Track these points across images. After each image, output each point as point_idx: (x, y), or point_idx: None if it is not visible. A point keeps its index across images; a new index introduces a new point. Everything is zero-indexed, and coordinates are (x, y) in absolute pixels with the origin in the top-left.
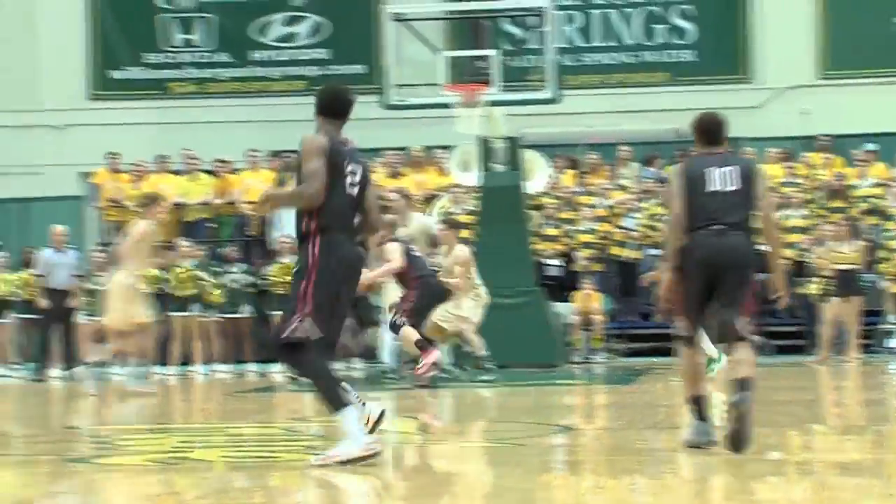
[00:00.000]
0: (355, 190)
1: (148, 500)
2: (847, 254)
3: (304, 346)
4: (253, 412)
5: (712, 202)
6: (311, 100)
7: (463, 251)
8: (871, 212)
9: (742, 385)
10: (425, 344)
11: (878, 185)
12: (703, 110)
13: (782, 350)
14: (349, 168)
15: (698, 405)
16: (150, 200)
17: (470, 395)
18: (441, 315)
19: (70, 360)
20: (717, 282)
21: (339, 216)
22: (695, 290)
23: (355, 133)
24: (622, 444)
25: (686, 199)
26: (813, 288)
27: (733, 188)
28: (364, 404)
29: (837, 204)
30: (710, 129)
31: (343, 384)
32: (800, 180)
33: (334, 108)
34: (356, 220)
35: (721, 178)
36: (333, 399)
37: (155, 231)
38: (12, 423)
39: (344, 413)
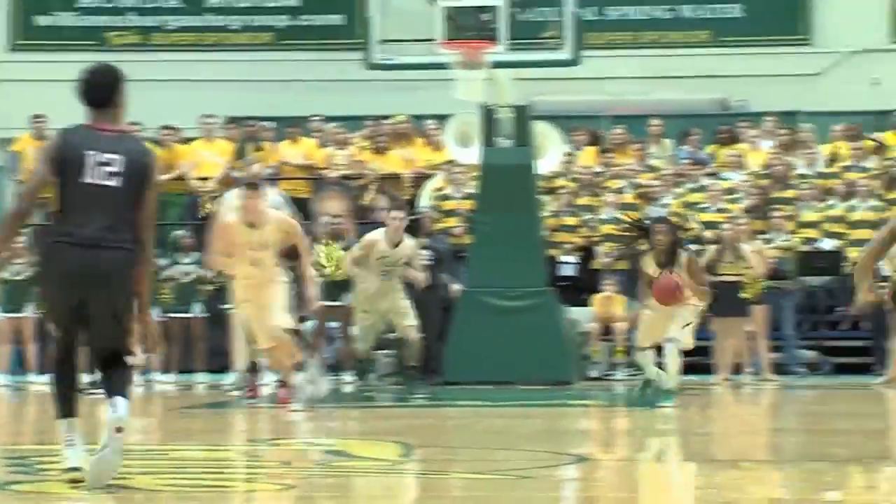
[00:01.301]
0: (114, 181)
1: None
2: None
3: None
4: (203, 432)
5: None
6: (279, 56)
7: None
8: None
9: None
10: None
11: None
12: (751, 77)
13: (843, 369)
14: (101, 158)
15: None
16: None
17: (463, 416)
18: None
19: None
20: None
21: (71, 216)
22: None
23: (332, 97)
24: (646, 479)
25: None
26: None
27: None
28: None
29: None
30: None
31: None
32: (870, 164)
33: (82, 94)
34: (116, 214)
35: None
36: (55, 408)
37: None
38: None
39: (57, 424)
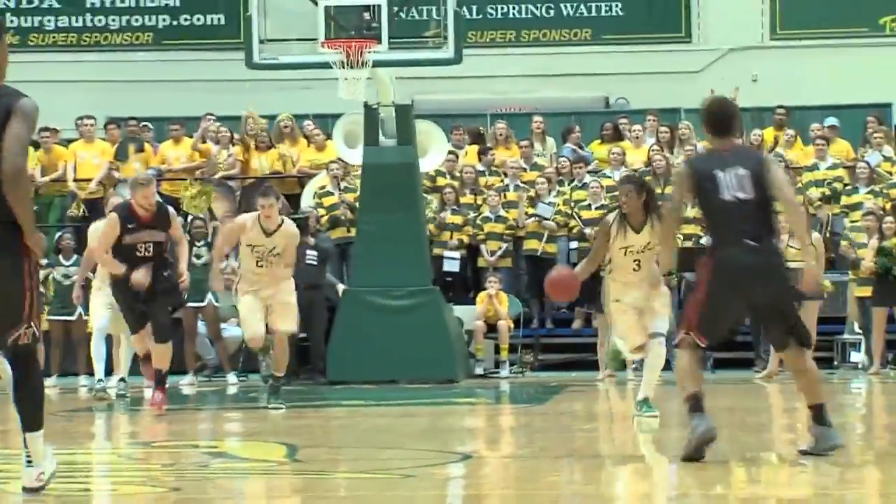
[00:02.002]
0: None
1: None
2: (800, 249)
3: None
4: (87, 435)
5: (730, 212)
6: (160, 56)
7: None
8: (829, 199)
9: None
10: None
11: (837, 166)
12: (631, 75)
13: (723, 364)
14: None
15: (698, 401)
16: None
17: (348, 415)
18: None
19: None
20: (764, 304)
21: None
22: (722, 311)
23: (214, 97)
24: (532, 476)
25: (698, 205)
26: None
27: (747, 196)
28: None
29: None
30: (712, 120)
31: None
32: None
33: None
34: None
35: (733, 183)
36: None
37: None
38: None
39: None
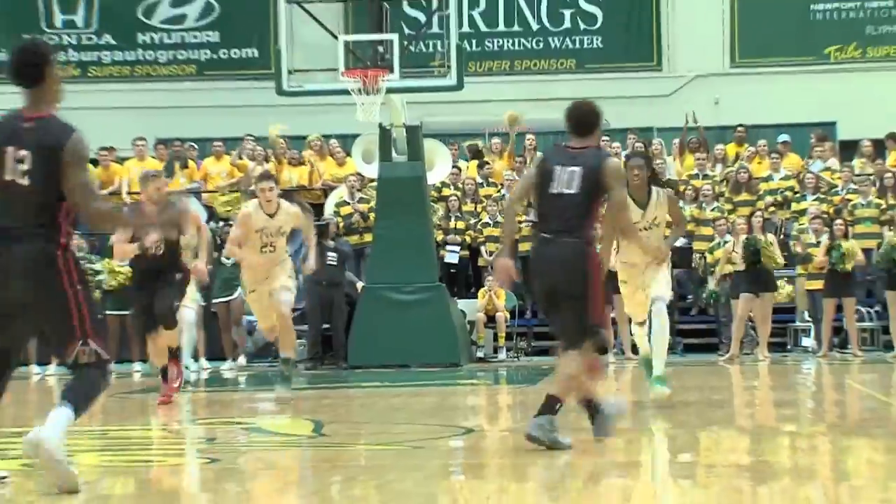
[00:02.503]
0: (26, 180)
1: None
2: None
3: None
4: (138, 413)
5: (551, 205)
6: (202, 85)
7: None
8: (782, 205)
9: (545, 406)
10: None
11: (789, 177)
12: (610, 99)
13: (691, 348)
14: (17, 154)
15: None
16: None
17: (366, 395)
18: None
19: None
20: (552, 295)
21: None
22: (538, 299)
23: (249, 120)
24: (527, 447)
25: (534, 197)
26: (710, 287)
27: (571, 192)
28: None
29: (744, 197)
30: (572, 119)
31: None
32: (713, 173)
33: (8, 74)
34: (27, 211)
35: (565, 179)
36: None
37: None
38: None
39: None
